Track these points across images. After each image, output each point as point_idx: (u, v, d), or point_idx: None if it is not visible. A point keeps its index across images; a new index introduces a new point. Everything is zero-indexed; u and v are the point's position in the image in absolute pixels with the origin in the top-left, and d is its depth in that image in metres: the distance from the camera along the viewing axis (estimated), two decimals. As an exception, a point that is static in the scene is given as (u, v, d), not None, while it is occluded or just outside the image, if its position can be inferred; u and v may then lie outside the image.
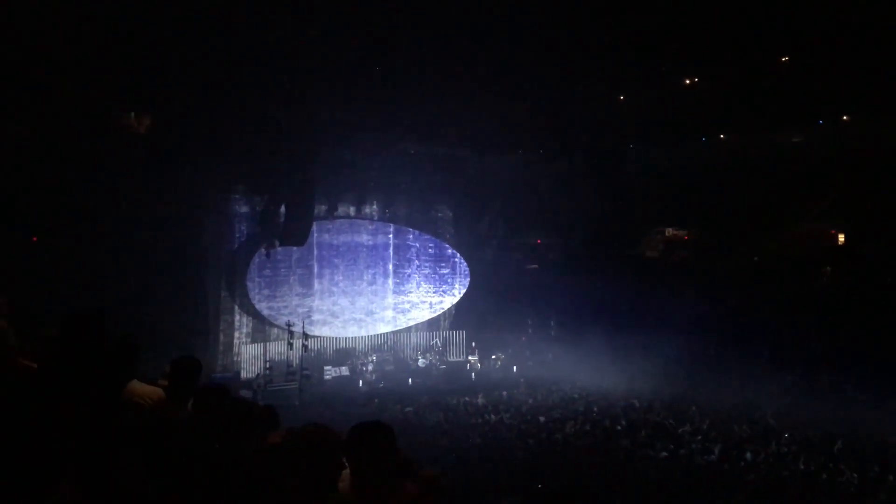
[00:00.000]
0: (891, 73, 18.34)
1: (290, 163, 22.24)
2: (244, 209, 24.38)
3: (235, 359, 24.19)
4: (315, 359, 24.37)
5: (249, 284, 24.37)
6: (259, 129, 21.61)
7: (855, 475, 13.18)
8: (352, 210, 27.02)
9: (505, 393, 22.29)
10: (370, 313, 27.17)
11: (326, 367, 24.36)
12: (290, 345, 22.61)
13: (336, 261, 26.54)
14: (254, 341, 24.63)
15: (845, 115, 23.09)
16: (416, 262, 28.32)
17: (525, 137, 25.01)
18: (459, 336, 28.49)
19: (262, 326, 24.80)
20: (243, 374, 23.33)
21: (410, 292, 28.19)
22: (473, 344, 27.89)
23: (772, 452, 14.94)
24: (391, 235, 27.87)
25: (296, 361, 22.53)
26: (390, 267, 27.79)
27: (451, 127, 23.38)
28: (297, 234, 23.19)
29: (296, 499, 2.87)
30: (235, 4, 16.08)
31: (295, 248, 24.55)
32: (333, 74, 19.89)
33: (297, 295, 25.52)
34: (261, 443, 4.13)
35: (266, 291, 24.76)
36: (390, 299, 27.76)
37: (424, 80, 20.22)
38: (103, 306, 4.08)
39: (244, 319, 24.61)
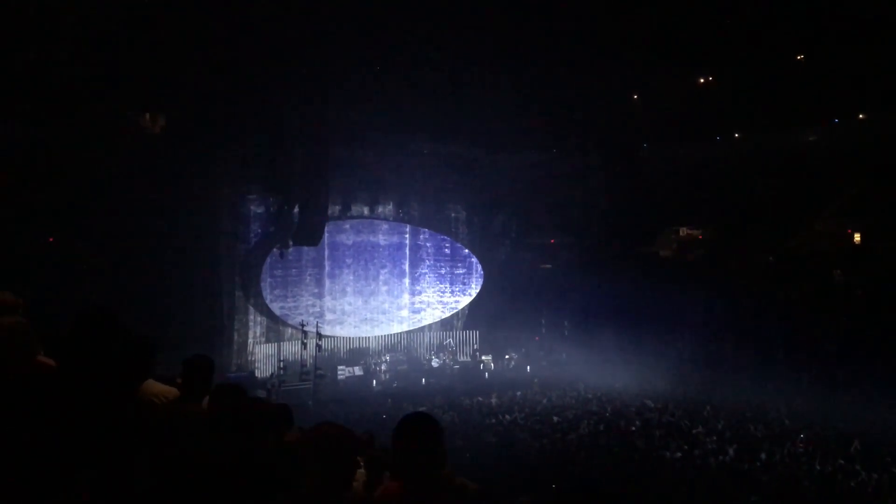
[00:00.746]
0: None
1: (304, 163, 22.32)
2: (259, 209, 24.43)
3: (250, 358, 24.27)
4: (328, 359, 24.43)
5: (263, 284, 24.45)
6: (273, 129, 21.71)
7: (874, 475, 13.07)
8: (365, 210, 27.04)
9: (519, 393, 22.26)
10: (384, 313, 27.20)
11: (340, 367, 24.36)
12: (304, 344, 22.67)
13: (349, 261, 26.55)
14: (268, 341, 24.72)
15: (861, 113, 22.96)
16: (431, 261, 28.31)
17: (539, 137, 25.00)
18: (473, 336, 28.49)
19: (275, 326, 24.87)
20: (258, 374, 23.37)
21: (424, 292, 28.21)
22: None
23: (787, 453, 14.82)
24: (406, 235, 27.89)
25: (309, 361, 22.58)
26: (405, 267, 27.79)
27: (465, 126, 23.37)
28: (311, 234, 23.27)
29: (311, 498, 2.88)
30: (249, 5, 16.16)
31: (309, 248, 24.61)
32: (347, 74, 19.96)
33: (310, 295, 25.58)
34: (275, 442, 4.14)
35: (279, 291, 24.82)
36: (405, 299, 27.79)
37: (438, 79, 20.26)
38: (119, 306, 4.10)
39: (258, 319, 24.68)
